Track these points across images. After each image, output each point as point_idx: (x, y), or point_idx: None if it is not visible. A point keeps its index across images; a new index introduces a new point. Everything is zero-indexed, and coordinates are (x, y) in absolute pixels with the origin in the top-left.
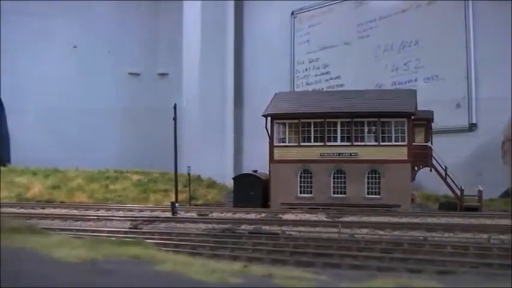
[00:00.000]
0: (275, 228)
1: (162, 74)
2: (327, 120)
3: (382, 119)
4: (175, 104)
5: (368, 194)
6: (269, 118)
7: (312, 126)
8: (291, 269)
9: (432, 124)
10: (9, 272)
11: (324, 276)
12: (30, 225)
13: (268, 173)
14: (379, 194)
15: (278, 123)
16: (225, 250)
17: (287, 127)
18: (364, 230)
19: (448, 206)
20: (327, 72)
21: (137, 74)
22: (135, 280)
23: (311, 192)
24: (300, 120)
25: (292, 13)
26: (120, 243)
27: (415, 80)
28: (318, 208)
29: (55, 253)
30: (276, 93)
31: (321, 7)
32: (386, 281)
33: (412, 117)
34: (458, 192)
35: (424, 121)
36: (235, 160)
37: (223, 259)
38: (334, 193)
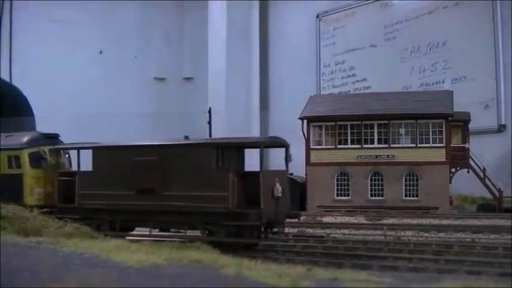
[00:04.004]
0: (319, 231)
1: (188, 78)
2: (364, 122)
3: (419, 121)
4: (209, 108)
5: (406, 196)
6: (305, 121)
7: (349, 128)
8: (352, 272)
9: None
10: (80, 276)
11: (388, 279)
12: (86, 231)
13: (303, 175)
14: (417, 196)
15: (314, 125)
16: (275, 253)
17: (323, 130)
18: (409, 232)
19: (487, 207)
20: (353, 75)
21: (163, 79)
22: (205, 285)
23: (348, 195)
24: (336, 122)
25: (318, 16)
26: (179, 247)
27: (443, 82)
28: (356, 211)
29: (116, 257)
30: (311, 96)
31: (346, 9)
32: (454, 283)
33: (450, 118)
34: (497, 194)
35: (461, 122)
36: (261, 163)
37: (279, 262)
38: (371, 196)
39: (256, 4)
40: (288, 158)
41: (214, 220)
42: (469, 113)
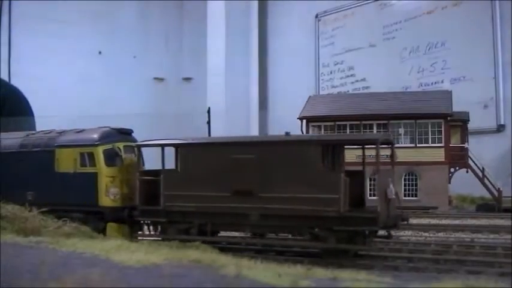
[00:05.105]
0: None
1: (187, 79)
2: (363, 122)
3: (418, 121)
4: (209, 108)
5: (405, 196)
6: (304, 121)
7: (348, 128)
8: (352, 272)
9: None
10: (80, 276)
11: (388, 278)
12: (85, 230)
13: None
14: (416, 196)
15: (313, 125)
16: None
17: (322, 130)
18: (408, 232)
19: (486, 207)
20: (352, 75)
21: (162, 79)
22: (204, 285)
23: None
24: (335, 122)
25: (317, 16)
26: (178, 246)
27: (442, 82)
28: None
29: (115, 257)
30: (310, 96)
31: (345, 9)
32: (454, 282)
33: (449, 118)
34: (496, 194)
35: (460, 122)
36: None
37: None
38: (370, 195)
39: (255, 4)
40: (393, 156)
41: (322, 225)
42: (468, 112)
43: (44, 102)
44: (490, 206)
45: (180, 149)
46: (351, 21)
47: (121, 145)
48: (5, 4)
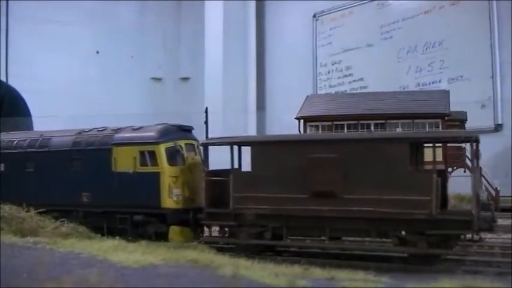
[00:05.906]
0: None
1: (184, 78)
2: (361, 122)
3: (416, 120)
4: (206, 108)
5: None
6: (302, 121)
7: (346, 128)
8: (349, 271)
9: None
10: (77, 276)
11: (386, 278)
12: (83, 231)
13: None
14: None
15: (311, 125)
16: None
17: (320, 129)
18: None
19: (484, 207)
20: (349, 75)
21: (159, 79)
22: (201, 285)
23: None
24: (333, 122)
25: (314, 15)
26: (176, 247)
27: (439, 81)
28: None
29: (112, 257)
30: (308, 96)
31: (343, 9)
32: (451, 282)
33: (446, 117)
34: (494, 193)
35: (457, 122)
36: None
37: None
38: None
39: (253, 4)
40: (478, 155)
41: (412, 228)
42: (466, 112)
43: (41, 102)
44: (488, 206)
45: (253, 147)
46: (349, 20)
47: (182, 143)
48: (3, 4)
